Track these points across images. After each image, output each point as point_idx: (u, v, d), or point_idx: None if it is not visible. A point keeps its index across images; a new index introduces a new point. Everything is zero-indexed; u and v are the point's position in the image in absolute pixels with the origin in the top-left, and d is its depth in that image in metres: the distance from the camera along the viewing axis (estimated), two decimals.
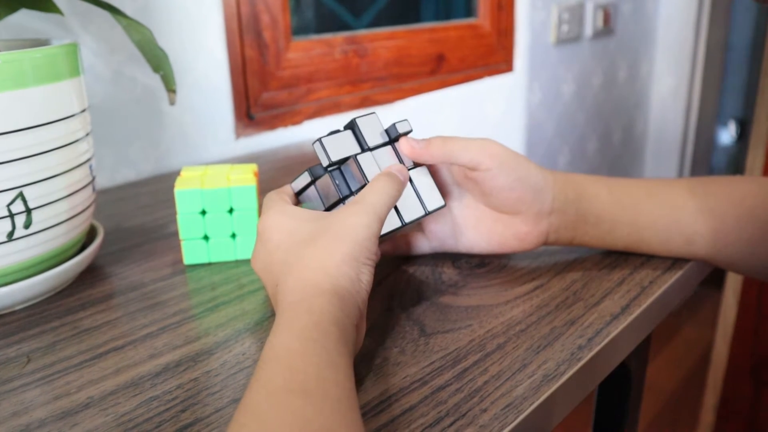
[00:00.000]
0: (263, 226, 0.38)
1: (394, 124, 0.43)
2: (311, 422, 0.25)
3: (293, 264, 0.35)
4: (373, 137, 0.42)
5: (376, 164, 0.41)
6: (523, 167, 0.43)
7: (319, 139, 0.41)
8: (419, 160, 0.43)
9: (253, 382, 0.27)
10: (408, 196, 0.43)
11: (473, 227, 0.46)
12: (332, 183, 0.41)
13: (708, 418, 1.38)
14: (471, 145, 0.43)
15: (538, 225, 0.44)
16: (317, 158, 0.42)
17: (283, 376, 0.27)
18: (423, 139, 0.43)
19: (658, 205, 0.44)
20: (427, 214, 0.43)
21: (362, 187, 0.41)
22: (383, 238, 0.44)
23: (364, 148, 0.42)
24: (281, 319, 0.31)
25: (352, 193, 0.41)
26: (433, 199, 0.44)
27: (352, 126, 0.42)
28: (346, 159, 0.41)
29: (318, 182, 0.42)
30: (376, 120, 0.42)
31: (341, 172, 0.41)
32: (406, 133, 0.43)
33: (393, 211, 0.42)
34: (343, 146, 0.41)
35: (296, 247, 0.36)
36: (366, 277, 0.35)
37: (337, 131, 0.42)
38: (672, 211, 0.44)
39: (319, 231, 0.36)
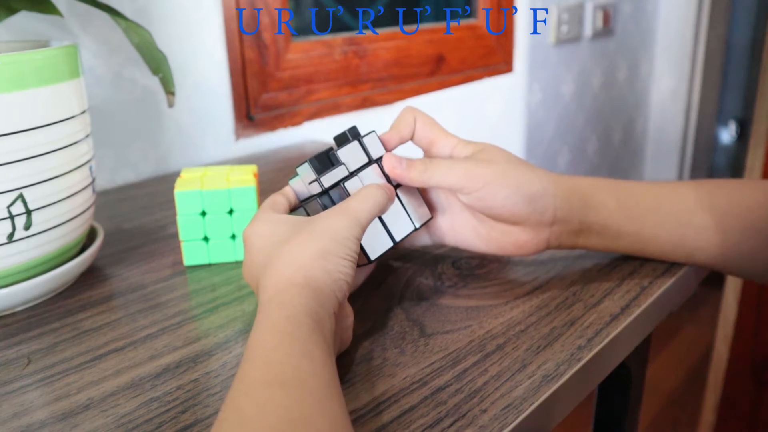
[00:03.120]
0: (245, 236, 0.39)
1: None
2: (290, 411, 0.25)
3: (269, 264, 0.35)
4: (357, 158, 0.42)
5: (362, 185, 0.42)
6: (512, 181, 0.41)
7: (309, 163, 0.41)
8: (399, 182, 0.42)
9: (233, 380, 0.28)
10: (396, 212, 0.43)
11: (472, 229, 0.45)
12: (319, 208, 0.41)
13: (708, 418, 1.38)
14: (454, 170, 0.41)
15: (539, 234, 0.43)
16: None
17: (259, 370, 0.28)
18: (406, 160, 0.42)
19: (664, 219, 0.43)
20: (416, 229, 0.43)
21: None
22: (378, 260, 0.44)
23: (351, 172, 0.42)
24: (257, 318, 0.32)
25: None
26: (421, 214, 0.44)
27: (331, 151, 0.42)
28: (335, 185, 0.41)
29: (309, 206, 0.42)
30: (357, 146, 0.42)
31: (329, 197, 0.41)
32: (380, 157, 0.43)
33: (384, 231, 0.42)
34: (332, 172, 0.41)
35: (274, 248, 0.36)
36: (345, 269, 0.35)
37: (323, 153, 0.42)
38: (678, 226, 0.43)
39: (296, 231, 0.36)
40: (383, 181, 0.42)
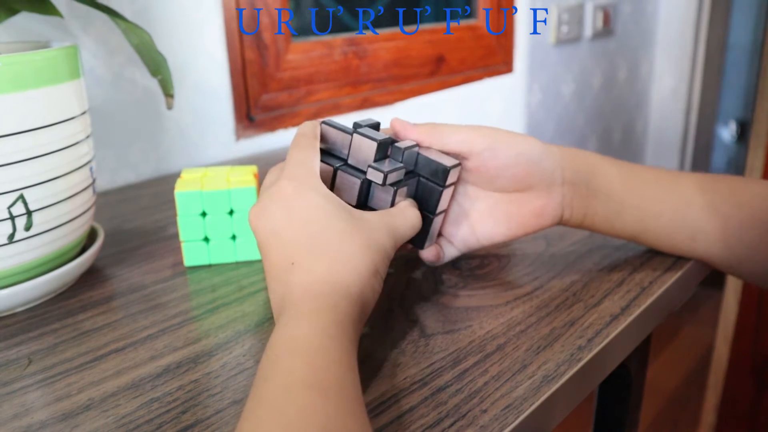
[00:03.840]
0: (293, 193, 0.35)
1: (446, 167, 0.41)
2: (331, 420, 0.25)
3: (326, 252, 0.33)
4: (408, 164, 0.42)
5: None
6: (520, 141, 0.42)
7: (384, 172, 0.39)
8: (408, 137, 0.42)
9: (269, 374, 0.27)
10: (429, 163, 0.41)
11: (490, 216, 0.45)
12: (356, 189, 0.40)
13: (709, 418, 1.38)
14: (461, 128, 0.42)
15: (553, 197, 0.43)
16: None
17: (302, 370, 0.27)
18: (410, 122, 0.42)
19: (665, 195, 0.44)
20: (448, 170, 0.41)
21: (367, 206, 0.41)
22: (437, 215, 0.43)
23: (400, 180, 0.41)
24: (302, 308, 0.31)
25: (363, 206, 0.41)
26: (448, 160, 0.42)
27: (404, 154, 0.41)
28: (397, 182, 0.41)
29: (341, 173, 0.41)
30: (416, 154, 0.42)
31: (369, 185, 0.41)
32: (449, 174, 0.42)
33: (431, 184, 0.42)
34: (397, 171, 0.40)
35: (333, 234, 0.34)
36: (380, 289, 0.35)
37: (386, 141, 0.40)
38: (679, 203, 0.44)
39: (356, 230, 0.35)
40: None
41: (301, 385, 0.26)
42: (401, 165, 0.40)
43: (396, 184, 0.40)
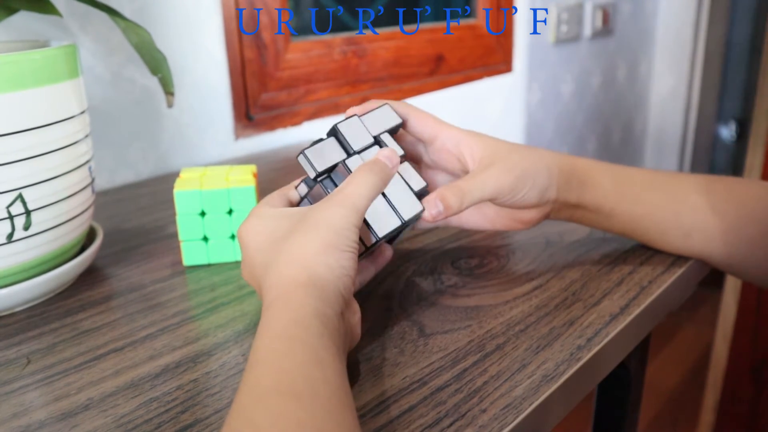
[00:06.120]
0: (240, 234, 0.38)
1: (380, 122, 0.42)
2: (304, 425, 0.25)
3: (271, 263, 0.34)
4: (357, 140, 0.41)
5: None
6: (529, 179, 0.43)
7: (302, 152, 0.40)
8: (442, 221, 0.42)
9: (241, 386, 0.27)
10: (400, 191, 0.40)
11: (479, 212, 0.47)
12: (323, 192, 0.41)
13: (708, 418, 1.38)
14: (486, 190, 0.42)
15: (542, 211, 0.46)
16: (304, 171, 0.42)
17: (270, 378, 0.27)
18: (440, 200, 0.40)
19: (658, 196, 0.45)
20: (407, 223, 0.40)
21: None
22: (374, 248, 0.41)
23: (350, 152, 0.41)
24: (263, 319, 0.31)
25: None
26: (413, 205, 0.41)
27: (334, 132, 0.41)
28: (334, 166, 0.40)
29: (311, 193, 0.41)
30: (358, 122, 0.42)
31: (332, 179, 0.41)
32: (396, 127, 0.42)
33: (389, 209, 0.40)
34: (328, 154, 0.40)
35: (273, 245, 0.35)
36: (347, 263, 0.34)
37: (320, 140, 0.41)
38: (672, 203, 0.45)
39: (295, 225, 0.35)
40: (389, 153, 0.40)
41: (270, 392, 0.26)
42: (338, 145, 0.41)
43: (343, 161, 0.40)
